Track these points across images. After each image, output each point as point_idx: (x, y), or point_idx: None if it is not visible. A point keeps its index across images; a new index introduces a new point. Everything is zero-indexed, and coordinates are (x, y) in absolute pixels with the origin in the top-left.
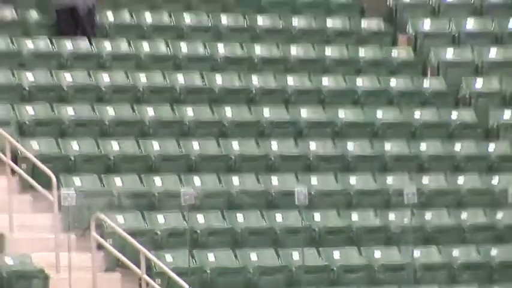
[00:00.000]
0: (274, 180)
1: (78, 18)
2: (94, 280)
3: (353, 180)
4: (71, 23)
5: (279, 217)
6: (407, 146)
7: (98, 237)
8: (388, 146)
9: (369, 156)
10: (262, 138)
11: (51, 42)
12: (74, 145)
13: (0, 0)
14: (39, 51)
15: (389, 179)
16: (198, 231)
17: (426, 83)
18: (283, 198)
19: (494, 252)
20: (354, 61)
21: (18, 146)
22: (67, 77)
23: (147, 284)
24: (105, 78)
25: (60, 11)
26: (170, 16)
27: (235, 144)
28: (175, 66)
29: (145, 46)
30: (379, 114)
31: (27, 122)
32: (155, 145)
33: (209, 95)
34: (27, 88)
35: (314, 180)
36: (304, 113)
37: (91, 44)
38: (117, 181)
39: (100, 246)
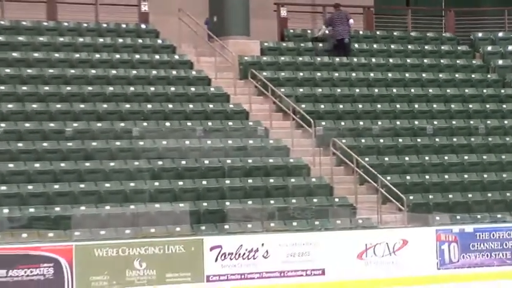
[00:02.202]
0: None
1: (343, 46)
2: (332, 170)
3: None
4: (337, 50)
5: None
6: (482, 103)
7: (333, 150)
8: (470, 106)
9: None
10: None
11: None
12: (322, 106)
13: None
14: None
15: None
16: (380, 147)
17: (489, 76)
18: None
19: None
20: (455, 66)
21: (295, 106)
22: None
23: (357, 172)
24: (352, 74)
25: (336, 44)
26: None
27: None
28: None
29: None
30: (466, 91)
31: (298, 95)
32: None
33: None
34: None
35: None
36: None
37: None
38: (342, 123)
39: (334, 154)
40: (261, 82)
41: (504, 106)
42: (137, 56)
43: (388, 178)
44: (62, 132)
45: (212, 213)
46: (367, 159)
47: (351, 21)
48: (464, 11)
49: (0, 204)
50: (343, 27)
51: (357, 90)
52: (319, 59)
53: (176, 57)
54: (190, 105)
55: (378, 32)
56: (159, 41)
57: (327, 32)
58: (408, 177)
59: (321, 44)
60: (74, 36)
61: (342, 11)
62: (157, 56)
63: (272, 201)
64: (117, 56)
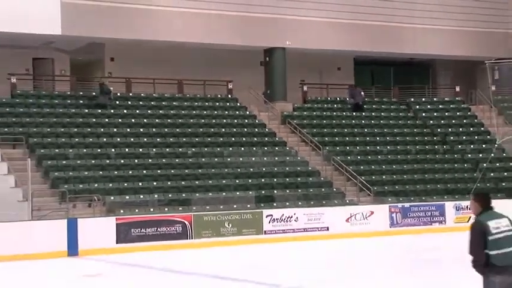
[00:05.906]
0: None
1: (358, 106)
2: (332, 174)
3: None
4: (356, 108)
5: None
6: (413, 137)
7: (333, 162)
8: (407, 138)
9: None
10: None
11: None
12: (326, 138)
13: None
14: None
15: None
16: (358, 161)
17: (417, 122)
18: (380, 153)
19: None
20: (398, 116)
21: (312, 138)
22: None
23: (346, 174)
24: (342, 121)
25: (355, 106)
26: None
27: None
28: None
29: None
30: (405, 130)
31: (313, 132)
32: None
33: None
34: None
35: None
36: None
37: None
38: (337, 148)
39: (333, 165)
40: (293, 126)
41: (416, 138)
42: (226, 112)
43: (363, 177)
44: (185, 153)
45: (267, 196)
46: (351, 167)
47: (362, 93)
48: (404, 87)
49: (153, 192)
50: (358, 97)
51: (345, 130)
52: (344, 113)
53: (247, 112)
54: (255, 139)
55: None
56: (238, 104)
57: (351, 100)
58: (373, 177)
59: (349, 106)
60: (192, 102)
61: (357, 88)
62: (237, 112)
63: (299, 190)
64: (215, 112)
